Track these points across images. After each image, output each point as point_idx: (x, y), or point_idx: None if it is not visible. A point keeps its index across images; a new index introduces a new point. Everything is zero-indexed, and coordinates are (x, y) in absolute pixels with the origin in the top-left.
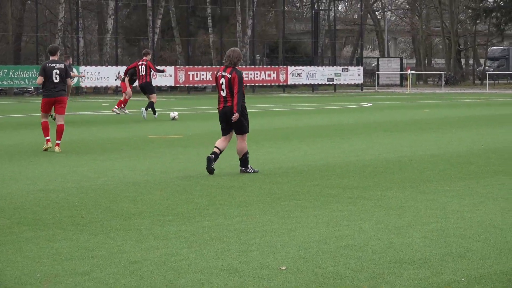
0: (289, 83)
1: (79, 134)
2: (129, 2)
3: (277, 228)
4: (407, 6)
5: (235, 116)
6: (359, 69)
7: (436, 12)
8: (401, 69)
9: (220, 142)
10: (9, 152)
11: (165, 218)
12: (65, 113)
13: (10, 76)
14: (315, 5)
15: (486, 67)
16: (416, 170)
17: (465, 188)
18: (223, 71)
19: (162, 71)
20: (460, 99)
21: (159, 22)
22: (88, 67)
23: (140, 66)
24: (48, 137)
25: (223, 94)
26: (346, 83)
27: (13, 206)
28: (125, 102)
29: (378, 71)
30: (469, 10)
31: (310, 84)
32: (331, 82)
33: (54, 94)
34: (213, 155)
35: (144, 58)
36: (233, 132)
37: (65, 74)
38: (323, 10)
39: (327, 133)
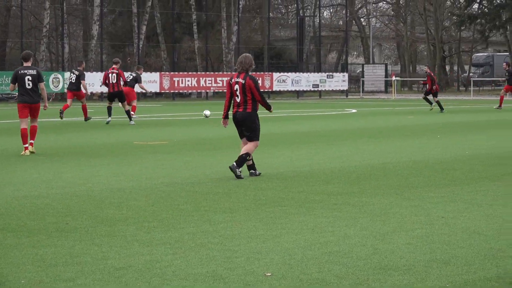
0: (274, 89)
1: (64, 140)
2: (114, 8)
3: (262, 234)
4: (392, 12)
5: (271, 110)
6: (344, 76)
7: (421, 18)
8: (386, 76)
9: (243, 147)
10: None
11: (150, 225)
12: (52, 119)
13: None
14: (300, 12)
15: (471, 74)
16: (401, 176)
17: (450, 195)
18: (237, 78)
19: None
20: (445, 105)
21: (144, 28)
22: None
23: (110, 75)
24: (26, 145)
25: (238, 100)
26: (331, 89)
27: None
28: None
29: (363, 77)
30: (454, 17)
31: (295, 91)
32: (316, 89)
33: (28, 100)
34: (253, 171)
35: (114, 66)
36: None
37: (37, 79)
38: (308, 17)
39: (312, 139)
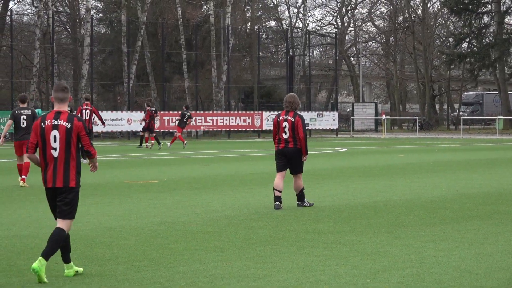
0: (264, 128)
1: None
2: (104, 47)
3: (253, 273)
4: (382, 52)
5: (305, 158)
6: (334, 114)
7: (411, 57)
8: (376, 114)
9: (278, 183)
10: None
11: (140, 264)
12: None
13: None
14: (290, 51)
15: (461, 112)
16: (392, 215)
17: (440, 233)
18: (285, 115)
19: (103, 123)
20: (435, 144)
21: (134, 67)
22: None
23: (84, 111)
24: (23, 176)
25: (285, 136)
26: (321, 128)
27: None
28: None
29: (353, 116)
30: (443, 56)
31: None
32: (306, 127)
33: (21, 138)
34: (278, 202)
35: (86, 102)
36: (287, 170)
37: (32, 119)
38: (298, 56)
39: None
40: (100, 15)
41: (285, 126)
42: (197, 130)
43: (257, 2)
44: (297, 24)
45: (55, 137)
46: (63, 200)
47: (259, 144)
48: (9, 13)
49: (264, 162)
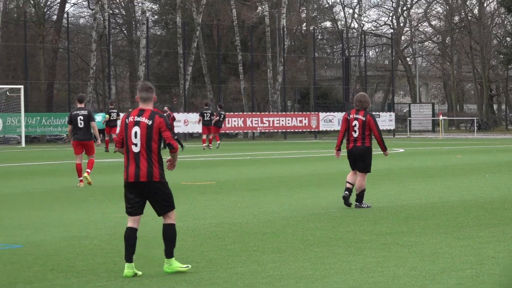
0: (320, 129)
1: (112, 180)
2: (160, 49)
3: (311, 274)
4: (438, 52)
5: (386, 153)
6: (390, 115)
7: (467, 57)
8: (433, 115)
9: (350, 175)
10: (42, 198)
11: (198, 265)
12: (101, 161)
13: (42, 123)
14: (346, 51)
15: None
16: (450, 215)
17: (500, 234)
18: (355, 114)
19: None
20: (493, 144)
21: (190, 69)
22: (121, 114)
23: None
24: (80, 178)
25: (355, 135)
26: None
27: (47, 253)
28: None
29: (410, 116)
30: (501, 55)
31: None
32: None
33: (80, 138)
34: (347, 192)
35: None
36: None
37: (88, 119)
38: (353, 56)
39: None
40: (156, 17)
41: (355, 125)
42: (253, 131)
43: (312, 3)
44: (352, 25)
45: (136, 133)
46: (154, 197)
47: (316, 145)
48: (65, 15)
49: (321, 163)
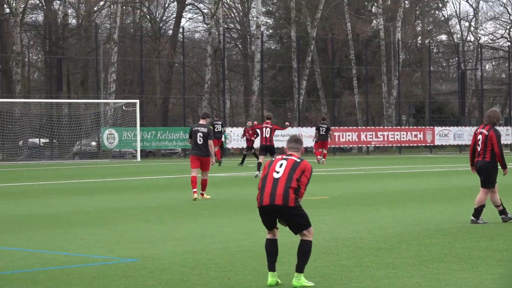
0: (436, 143)
1: (224, 194)
2: (274, 63)
3: None
4: None
5: (505, 172)
6: (507, 129)
7: None
8: None
9: (478, 198)
10: (157, 212)
11: (312, 280)
12: (218, 174)
13: (158, 137)
14: (462, 65)
15: None
16: None
17: None
18: (482, 128)
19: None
20: None
21: (304, 83)
22: (234, 128)
23: (264, 129)
24: (194, 189)
25: (479, 149)
26: None
27: (161, 267)
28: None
29: None
30: None
31: (457, 145)
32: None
33: (198, 153)
34: (504, 215)
35: (267, 121)
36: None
37: (207, 137)
38: (469, 70)
39: (476, 194)
40: (270, 31)
41: (479, 139)
42: (368, 145)
43: (427, 16)
44: (468, 38)
45: (281, 164)
46: (289, 219)
47: (431, 160)
48: (181, 30)
49: (436, 177)
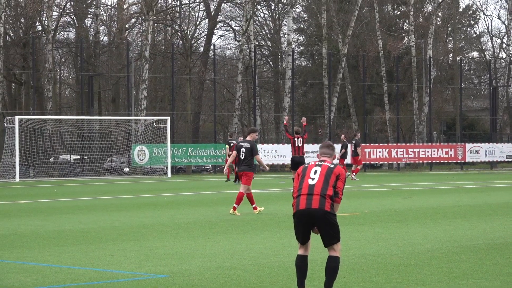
0: (467, 160)
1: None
2: (305, 80)
3: None
4: None
5: None
6: None
7: None
8: None
9: None
10: (187, 229)
11: None
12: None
13: (188, 154)
14: (493, 82)
15: None
16: None
17: None
18: None
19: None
20: None
21: (335, 99)
22: (265, 145)
23: (296, 139)
24: (254, 205)
25: None
26: None
27: (191, 283)
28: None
29: None
30: None
31: (489, 162)
32: (510, 159)
33: (239, 168)
34: None
35: (297, 135)
36: None
37: (250, 152)
38: (501, 87)
39: (507, 211)
40: (302, 48)
41: None
42: (398, 162)
43: (459, 33)
44: (500, 55)
45: (316, 171)
46: (323, 226)
47: (462, 177)
48: (212, 47)
49: (467, 194)
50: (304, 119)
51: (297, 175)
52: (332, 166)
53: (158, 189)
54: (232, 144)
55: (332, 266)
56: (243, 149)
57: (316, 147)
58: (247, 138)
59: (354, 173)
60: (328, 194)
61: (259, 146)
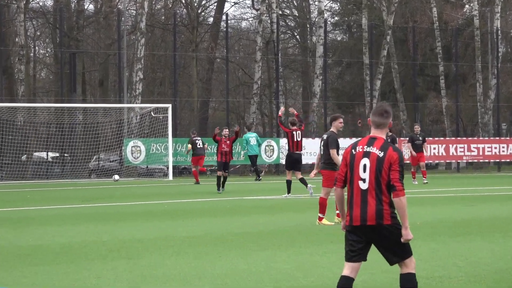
0: None
1: (279, 221)
2: (340, 59)
3: None
4: None
5: None
6: None
7: None
8: None
9: None
10: (193, 244)
11: None
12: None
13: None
14: None
15: None
16: None
17: None
18: None
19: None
20: None
21: (378, 83)
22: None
23: (295, 132)
24: (319, 215)
25: None
26: None
27: None
28: None
29: None
30: None
31: None
32: None
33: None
34: None
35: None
36: None
37: (327, 145)
38: None
39: None
40: (336, 18)
41: None
42: (458, 161)
43: None
44: None
45: (364, 166)
46: (384, 242)
47: None
48: (224, 18)
49: None
50: (292, 109)
51: (343, 161)
52: (381, 155)
53: (156, 194)
54: (197, 142)
55: (408, 285)
56: (322, 142)
57: (354, 140)
58: (331, 129)
59: (423, 177)
60: (385, 200)
61: (284, 140)
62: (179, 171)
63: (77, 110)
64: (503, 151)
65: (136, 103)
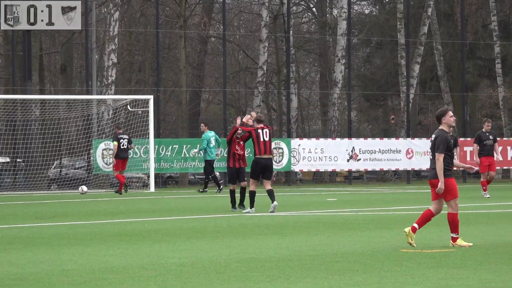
0: None
1: (292, 245)
2: (369, 37)
3: None
4: None
5: None
6: None
7: None
8: None
9: None
10: (180, 273)
11: None
12: None
13: (182, 155)
14: None
15: None
16: None
17: None
18: None
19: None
20: None
21: (417, 68)
22: (305, 140)
23: (260, 131)
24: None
25: None
26: None
27: None
28: None
29: None
30: None
31: None
32: None
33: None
34: None
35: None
36: None
37: (433, 147)
38: None
39: None
40: None
41: None
42: None
43: None
44: None
45: None
46: None
47: None
48: None
49: None
50: (253, 114)
51: None
52: None
53: (134, 210)
54: (122, 139)
55: None
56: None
57: (386, 142)
58: (440, 127)
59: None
60: None
61: (296, 142)
62: (163, 181)
63: (32, 103)
64: None
65: (108, 94)
